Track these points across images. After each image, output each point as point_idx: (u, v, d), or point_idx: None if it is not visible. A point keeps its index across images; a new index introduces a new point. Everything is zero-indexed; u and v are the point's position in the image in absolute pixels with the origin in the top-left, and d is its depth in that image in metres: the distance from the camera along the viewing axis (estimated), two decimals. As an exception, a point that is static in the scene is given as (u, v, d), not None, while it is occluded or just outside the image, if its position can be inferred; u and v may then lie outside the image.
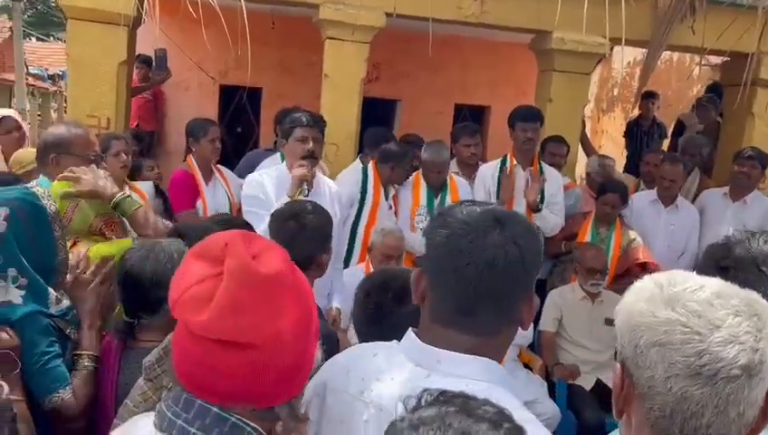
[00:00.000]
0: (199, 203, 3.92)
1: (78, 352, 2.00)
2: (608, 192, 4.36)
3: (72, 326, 2.03)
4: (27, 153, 3.52)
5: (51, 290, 1.97)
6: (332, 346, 1.96)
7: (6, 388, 1.53)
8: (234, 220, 2.82)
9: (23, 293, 1.88)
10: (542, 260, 1.20)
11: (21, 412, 1.77)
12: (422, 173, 4.21)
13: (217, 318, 0.92)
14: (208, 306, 0.92)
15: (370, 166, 4.04)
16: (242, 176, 3.89)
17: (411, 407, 0.83)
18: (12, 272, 1.87)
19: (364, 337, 1.81)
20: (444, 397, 0.81)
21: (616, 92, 9.36)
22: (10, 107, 19.00)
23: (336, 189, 3.57)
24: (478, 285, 1.10)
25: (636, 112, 7.01)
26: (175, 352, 1.01)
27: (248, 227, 2.38)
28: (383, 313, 1.75)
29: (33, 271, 1.92)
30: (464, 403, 0.78)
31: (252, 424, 0.99)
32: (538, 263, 1.17)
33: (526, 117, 4.23)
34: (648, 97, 6.39)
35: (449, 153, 4.22)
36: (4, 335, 1.81)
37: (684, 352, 0.87)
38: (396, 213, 4.11)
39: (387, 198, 4.05)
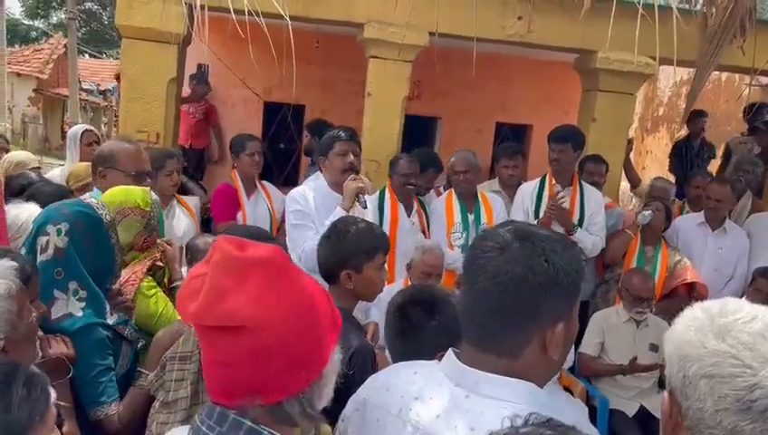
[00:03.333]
0: (239, 216, 4.00)
1: (140, 369, 2.07)
2: (651, 202, 4.37)
3: (130, 329, 2.09)
4: (83, 167, 3.64)
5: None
6: (368, 358, 1.97)
7: (53, 394, 1.59)
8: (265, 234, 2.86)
9: (83, 305, 1.95)
10: (568, 286, 1.14)
11: (67, 418, 1.83)
12: (452, 185, 4.22)
13: (205, 305, 0.97)
14: (198, 297, 0.98)
15: (387, 185, 4.07)
16: None
17: (515, 424, 0.85)
18: (72, 285, 1.94)
19: (394, 351, 1.82)
20: (549, 423, 0.82)
21: (661, 112, 9.19)
22: (63, 121, 19.85)
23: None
24: (484, 301, 1.13)
25: (682, 133, 6.85)
26: (202, 366, 1.08)
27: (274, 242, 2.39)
28: (413, 327, 1.76)
29: (93, 279, 1.98)
30: (564, 431, 0.78)
31: None
32: (556, 287, 1.12)
33: (556, 138, 4.25)
34: (697, 116, 6.23)
35: (474, 161, 4.21)
36: (62, 344, 1.87)
37: (734, 386, 0.85)
38: (424, 231, 4.09)
39: (409, 215, 4.04)
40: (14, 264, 1.56)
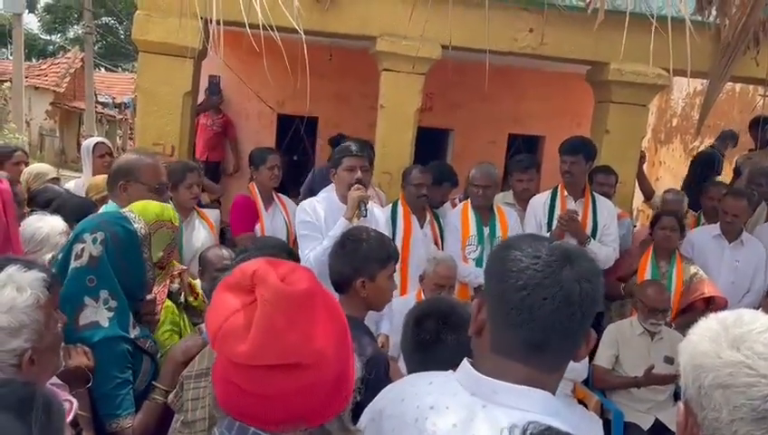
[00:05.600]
0: (257, 228, 4.03)
1: (155, 384, 2.08)
2: (663, 216, 4.33)
3: (151, 341, 2.12)
4: (103, 179, 3.67)
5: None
6: (382, 366, 1.99)
7: (76, 403, 1.61)
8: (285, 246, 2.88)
9: (111, 315, 1.96)
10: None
11: (84, 427, 1.86)
12: (469, 197, 4.22)
13: (260, 344, 0.92)
14: (248, 335, 0.92)
15: (400, 198, 4.08)
16: (312, 190, 3.99)
17: None
18: (104, 294, 1.96)
19: (410, 363, 1.82)
20: (549, 431, 0.82)
21: (674, 123, 9.15)
22: (79, 133, 20.09)
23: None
24: (553, 320, 1.10)
25: (696, 144, 6.83)
26: (219, 391, 1.01)
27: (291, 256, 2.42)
28: (430, 340, 1.76)
29: (123, 292, 2.00)
30: None
31: None
32: (602, 300, 1.18)
33: (566, 150, 4.25)
34: (732, 137, 6.42)
35: (495, 176, 4.21)
36: (83, 355, 1.89)
37: (749, 396, 0.85)
38: (436, 242, 4.09)
39: (422, 227, 4.04)
40: (44, 275, 1.59)
